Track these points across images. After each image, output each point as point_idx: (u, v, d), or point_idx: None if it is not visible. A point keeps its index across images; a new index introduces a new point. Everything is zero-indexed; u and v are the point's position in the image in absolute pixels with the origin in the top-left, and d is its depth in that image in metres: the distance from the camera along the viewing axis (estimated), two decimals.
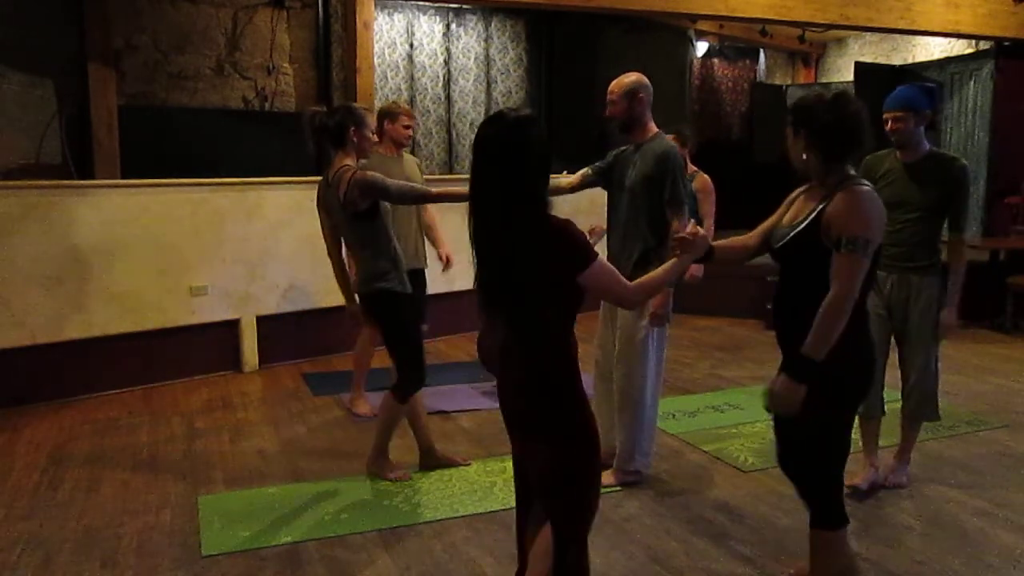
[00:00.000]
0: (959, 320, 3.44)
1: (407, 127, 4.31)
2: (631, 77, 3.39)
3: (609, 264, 2.10)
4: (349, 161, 3.36)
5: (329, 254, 3.63)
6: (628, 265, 3.38)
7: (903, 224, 3.29)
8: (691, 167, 4.77)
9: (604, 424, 3.65)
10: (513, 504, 3.25)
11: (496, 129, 2.01)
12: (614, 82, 3.40)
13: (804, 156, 2.34)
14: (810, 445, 2.41)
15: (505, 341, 2.11)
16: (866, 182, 2.34)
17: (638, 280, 2.22)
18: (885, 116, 3.30)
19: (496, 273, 2.06)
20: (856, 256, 2.19)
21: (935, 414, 3.52)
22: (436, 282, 6.23)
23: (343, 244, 3.60)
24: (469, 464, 3.75)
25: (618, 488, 3.47)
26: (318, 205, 3.54)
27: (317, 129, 3.37)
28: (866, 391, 2.46)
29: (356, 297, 3.61)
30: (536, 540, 2.17)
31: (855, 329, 2.28)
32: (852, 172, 2.34)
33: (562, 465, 2.05)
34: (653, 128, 3.43)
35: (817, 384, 2.24)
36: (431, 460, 3.72)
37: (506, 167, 1.98)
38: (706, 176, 4.86)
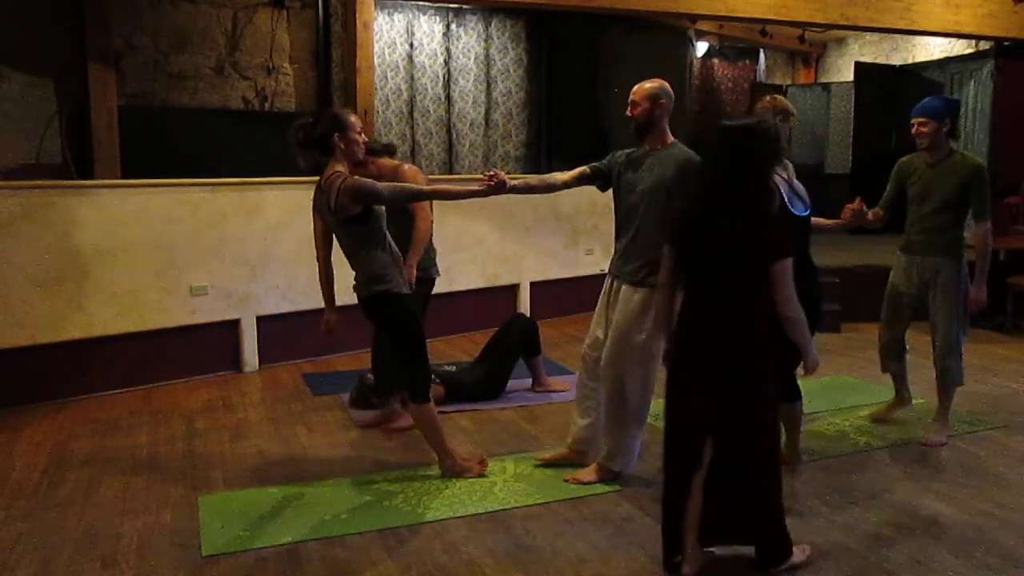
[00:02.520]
0: (987, 297, 3.96)
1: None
2: (655, 83, 3.44)
3: (790, 268, 2.50)
4: (340, 167, 3.33)
5: (317, 259, 3.62)
6: (637, 265, 3.41)
7: (926, 215, 3.94)
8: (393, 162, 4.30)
9: (577, 418, 3.68)
10: (513, 504, 3.30)
11: (743, 135, 2.53)
12: (637, 86, 3.45)
13: None
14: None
15: (718, 311, 2.56)
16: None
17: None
18: (912, 122, 3.91)
19: (724, 253, 2.52)
20: None
21: (958, 378, 4.01)
22: (436, 282, 6.24)
23: (332, 250, 3.58)
24: (485, 476, 3.63)
25: (616, 488, 3.47)
26: (313, 210, 3.53)
27: (302, 143, 3.35)
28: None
29: (348, 304, 3.60)
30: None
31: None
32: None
33: (757, 414, 2.57)
34: (670, 136, 3.48)
35: None
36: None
37: (749, 166, 2.48)
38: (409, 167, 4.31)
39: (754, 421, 2.59)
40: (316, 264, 3.70)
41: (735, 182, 2.51)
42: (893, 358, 4.21)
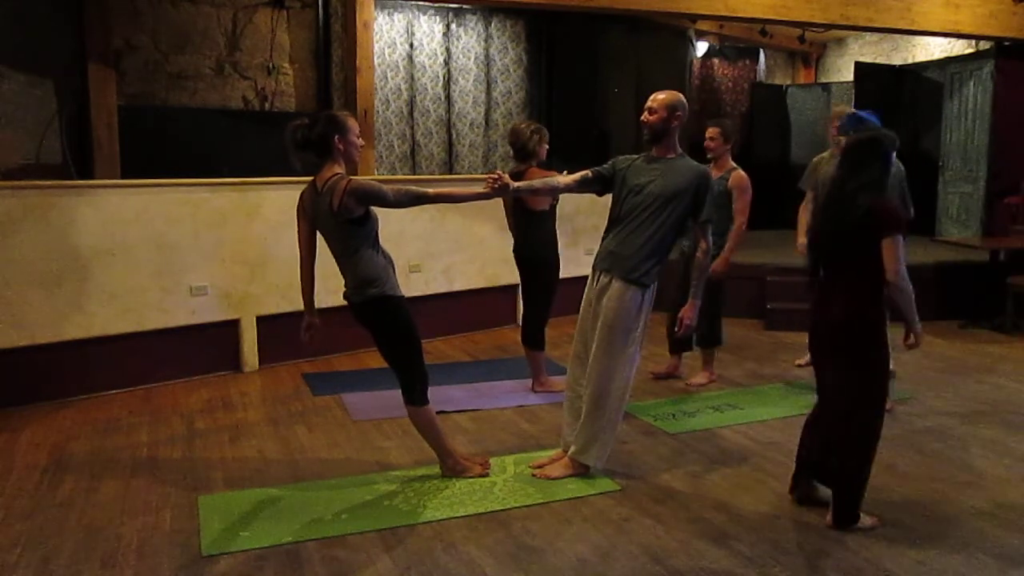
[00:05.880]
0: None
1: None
2: (675, 94, 3.56)
3: (900, 243, 2.93)
4: (339, 169, 3.30)
5: (302, 263, 3.50)
6: (647, 267, 3.44)
7: None
8: (730, 163, 4.87)
9: (570, 419, 3.68)
10: (512, 504, 3.31)
11: (864, 142, 3.09)
12: (656, 93, 3.56)
13: None
14: None
15: (835, 291, 3.07)
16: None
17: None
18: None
19: (841, 238, 3.03)
20: None
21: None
22: (436, 282, 6.26)
23: (316, 254, 3.49)
24: (487, 475, 3.65)
25: (616, 488, 3.47)
26: (299, 212, 3.43)
27: (300, 144, 3.30)
28: None
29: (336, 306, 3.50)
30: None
31: None
32: None
33: (863, 387, 3.05)
34: (678, 147, 3.57)
35: None
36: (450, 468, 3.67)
37: (871, 167, 3.02)
38: (743, 173, 4.84)
39: (865, 380, 3.06)
40: (316, 264, 3.64)
41: (857, 179, 3.05)
42: None
